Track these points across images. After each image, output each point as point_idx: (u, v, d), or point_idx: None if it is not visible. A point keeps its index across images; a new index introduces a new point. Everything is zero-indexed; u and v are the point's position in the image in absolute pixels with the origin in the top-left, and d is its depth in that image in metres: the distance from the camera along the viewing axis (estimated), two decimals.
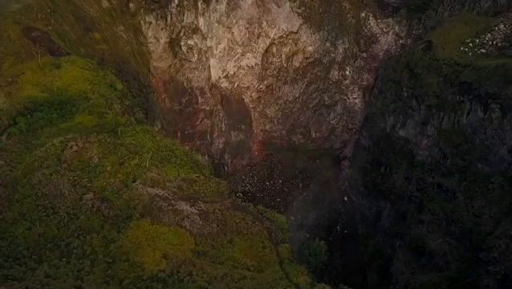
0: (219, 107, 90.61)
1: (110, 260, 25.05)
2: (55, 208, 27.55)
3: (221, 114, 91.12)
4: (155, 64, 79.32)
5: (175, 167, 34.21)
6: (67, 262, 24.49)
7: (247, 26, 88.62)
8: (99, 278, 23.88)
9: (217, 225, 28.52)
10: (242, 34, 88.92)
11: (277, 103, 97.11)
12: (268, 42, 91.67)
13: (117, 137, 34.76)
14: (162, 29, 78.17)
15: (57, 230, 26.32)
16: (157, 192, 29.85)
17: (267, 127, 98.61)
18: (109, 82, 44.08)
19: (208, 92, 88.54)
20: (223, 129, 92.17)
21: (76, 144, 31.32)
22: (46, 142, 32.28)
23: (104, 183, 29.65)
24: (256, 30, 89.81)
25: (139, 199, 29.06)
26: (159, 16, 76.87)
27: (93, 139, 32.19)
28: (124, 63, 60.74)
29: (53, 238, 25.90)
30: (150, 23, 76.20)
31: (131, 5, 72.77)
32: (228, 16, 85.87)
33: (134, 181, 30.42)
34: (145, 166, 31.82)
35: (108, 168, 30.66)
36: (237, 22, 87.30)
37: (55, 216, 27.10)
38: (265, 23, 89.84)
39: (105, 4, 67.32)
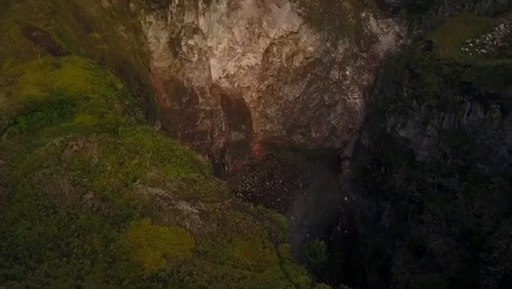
0: (219, 107, 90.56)
1: (110, 260, 25.10)
2: (55, 207, 27.57)
3: (222, 114, 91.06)
4: (155, 64, 79.32)
5: (175, 167, 34.17)
6: (67, 261, 24.52)
7: (247, 26, 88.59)
8: (99, 277, 23.93)
9: (218, 225, 28.52)
10: (243, 34, 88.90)
11: (277, 104, 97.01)
12: (268, 42, 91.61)
13: (117, 137, 34.78)
14: (162, 29, 78.19)
15: (57, 230, 26.34)
16: (157, 191, 29.86)
17: (267, 127, 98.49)
18: (109, 82, 44.07)
19: (208, 92, 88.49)
20: (223, 129, 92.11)
21: (76, 144, 31.34)
22: (46, 142, 32.30)
23: (104, 183, 29.66)
24: (256, 30, 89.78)
25: (139, 199, 29.06)
26: (159, 16, 76.88)
27: (93, 139, 32.20)
28: (125, 63, 60.77)
29: (53, 237, 25.93)
30: (150, 23, 76.20)
31: (131, 5, 72.80)
32: (228, 16, 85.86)
33: (134, 181, 30.41)
34: (145, 166, 31.82)
35: (108, 168, 30.65)
36: (237, 22, 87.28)
37: (55, 215, 27.13)
38: (265, 23, 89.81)
39: (105, 4, 67.42)
